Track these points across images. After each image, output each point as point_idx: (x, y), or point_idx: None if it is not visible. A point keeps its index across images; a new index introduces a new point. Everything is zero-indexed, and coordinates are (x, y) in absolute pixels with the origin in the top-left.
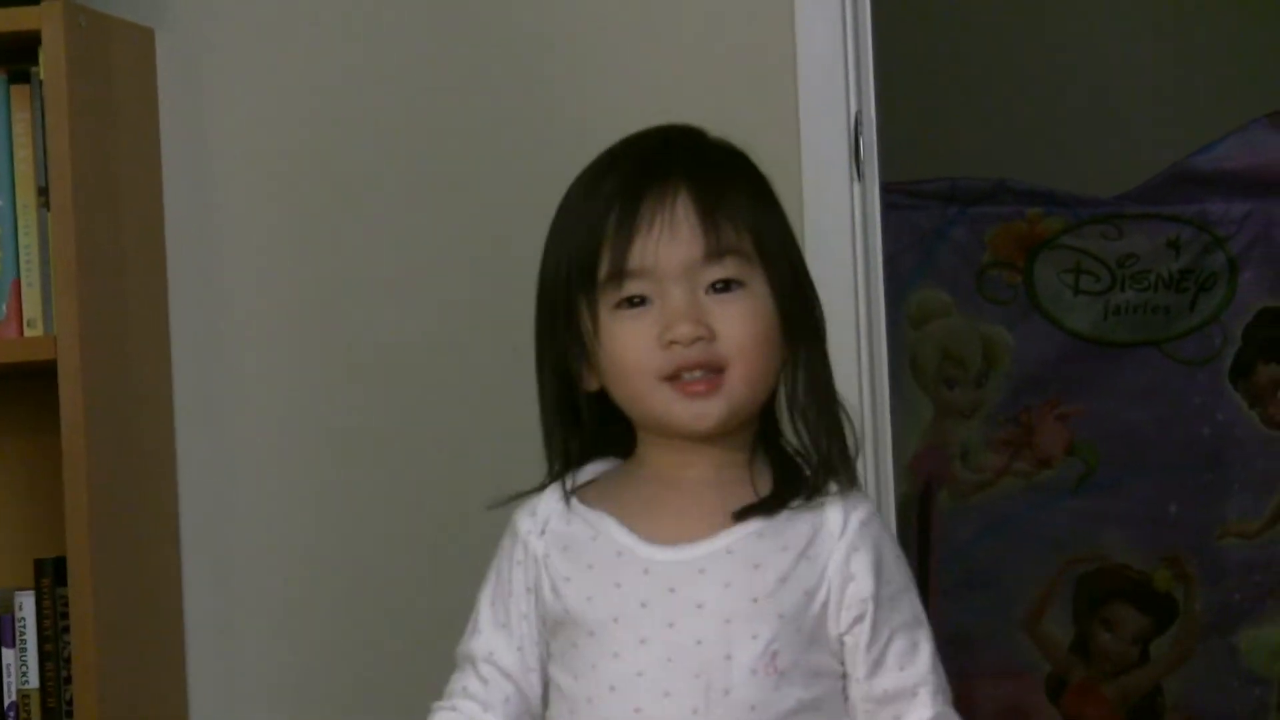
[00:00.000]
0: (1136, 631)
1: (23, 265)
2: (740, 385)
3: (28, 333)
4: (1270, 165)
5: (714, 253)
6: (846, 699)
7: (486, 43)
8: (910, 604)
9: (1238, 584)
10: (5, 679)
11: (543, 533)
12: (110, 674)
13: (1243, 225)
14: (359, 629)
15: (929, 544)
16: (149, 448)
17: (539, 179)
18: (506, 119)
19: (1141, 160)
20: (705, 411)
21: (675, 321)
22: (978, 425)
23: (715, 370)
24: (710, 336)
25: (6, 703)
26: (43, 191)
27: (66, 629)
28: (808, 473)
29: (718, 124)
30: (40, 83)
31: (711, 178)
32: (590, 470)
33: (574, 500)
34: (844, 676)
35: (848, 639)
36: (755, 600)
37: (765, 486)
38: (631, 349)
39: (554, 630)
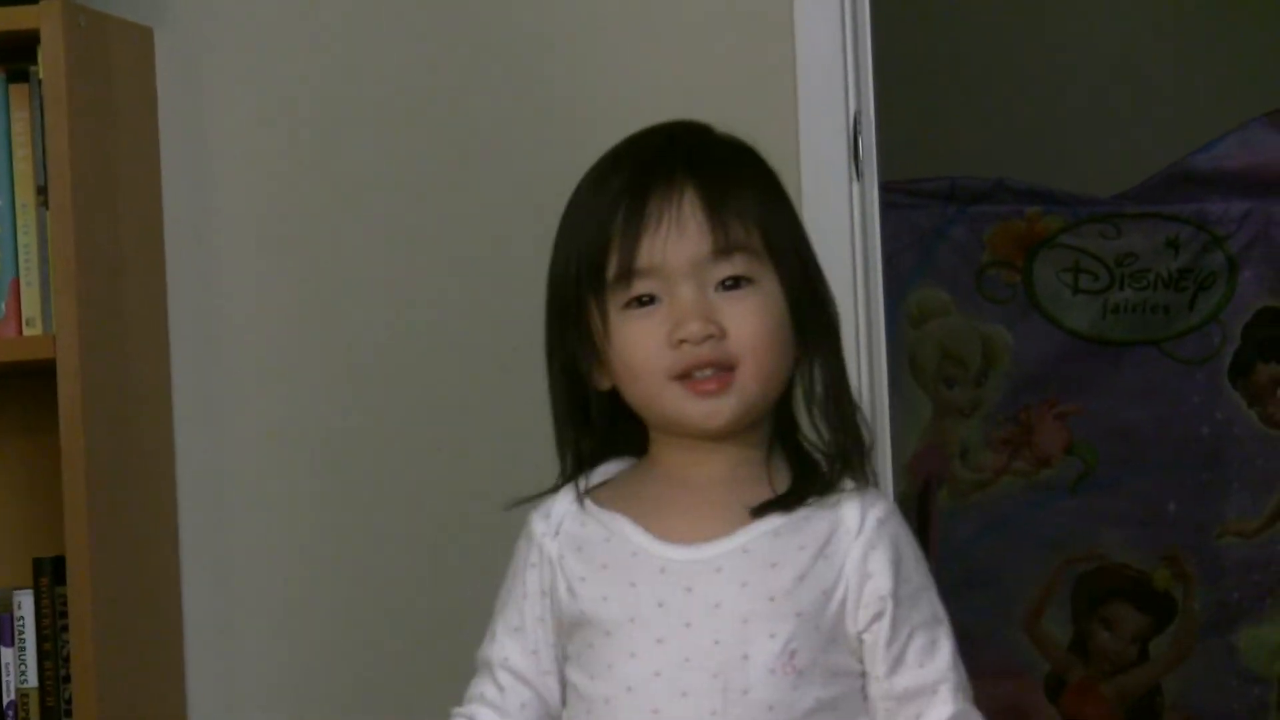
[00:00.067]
0: (1135, 631)
1: (21, 264)
2: (751, 383)
3: (26, 332)
4: (1269, 164)
5: (722, 249)
6: (865, 698)
7: (486, 43)
8: (929, 601)
9: (1237, 583)
10: (4, 678)
11: (556, 534)
12: (109, 673)
13: (1242, 224)
14: (358, 628)
15: (928, 543)
16: (148, 447)
17: (538, 179)
18: (506, 119)
19: (1140, 159)
20: (716, 410)
21: (684, 320)
22: (977, 424)
23: (726, 368)
24: (720, 334)
25: (5, 702)
26: (41, 191)
27: (65, 628)
28: (825, 469)
29: (717, 123)
30: (39, 82)
31: (719, 174)
32: (603, 471)
33: (587, 501)
34: (862, 675)
35: (866, 637)
36: (773, 599)
37: (782, 484)
38: (641, 348)
39: (570, 631)
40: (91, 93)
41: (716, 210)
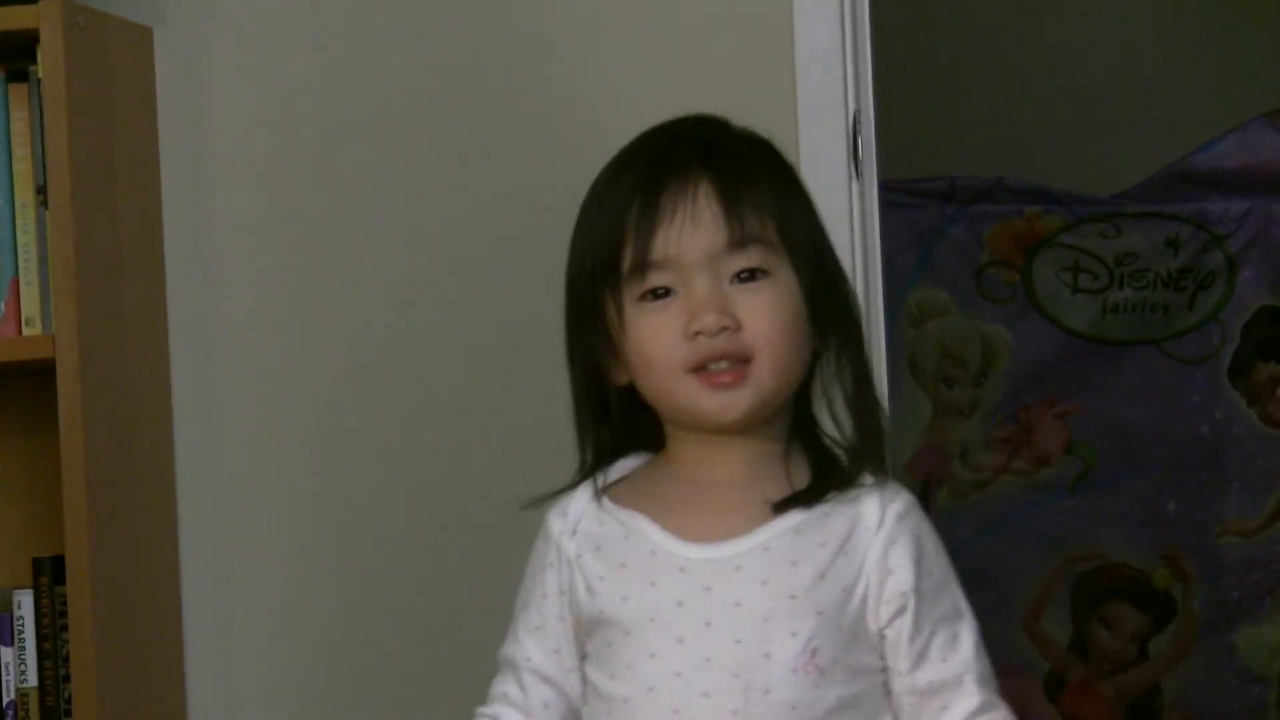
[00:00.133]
0: (1135, 630)
1: (21, 264)
2: (768, 375)
3: (26, 332)
4: (1268, 164)
5: (737, 241)
6: (887, 694)
7: (486, 43)
8: (951, 595)
9: (1236, 582)
10: (4, 678)
11: (574, 533)
12: (109, 673)
13: (1241, 224)
14: (358, 628)
15: None
16: (147, 446)
17: (539, 179)
18: (506, 119)
19: (1140, 159)
20: (732, 402)
21: (700, 312)
22: (976, 424)
23: (742, 360)
24: (736, 326)
25: (5, 701)
26: (41, 190)
27: (65, 628)
28: (845, 464)
29: None
30: (38, 81)
31: (733, 167)
32: (620, 467)
33: (605, 499)
34: (883, 671)
35: (888, 633)
36: (793, 597)
37: (801, 480)
38: (656, 341)
39: (589, 631)
40: (91, 92)
41: (732, 202)
